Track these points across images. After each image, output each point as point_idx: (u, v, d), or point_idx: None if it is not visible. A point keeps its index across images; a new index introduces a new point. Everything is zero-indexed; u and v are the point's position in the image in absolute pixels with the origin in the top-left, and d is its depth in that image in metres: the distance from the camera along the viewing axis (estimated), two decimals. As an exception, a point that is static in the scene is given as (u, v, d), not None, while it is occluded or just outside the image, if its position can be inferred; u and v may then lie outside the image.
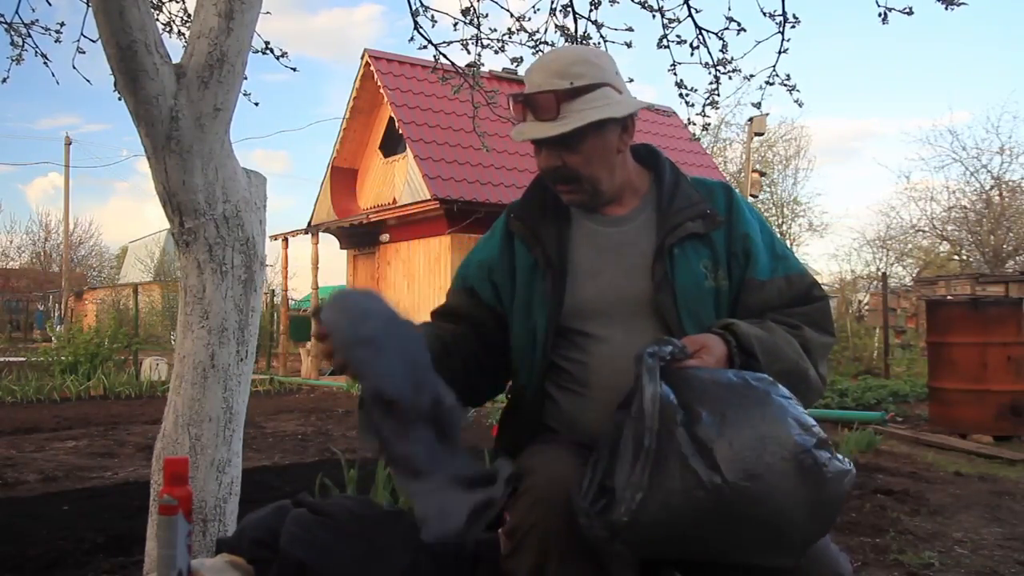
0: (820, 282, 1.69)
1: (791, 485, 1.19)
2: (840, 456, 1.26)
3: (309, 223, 14.42)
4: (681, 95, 4.42)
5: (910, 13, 3.49)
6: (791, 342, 1.45)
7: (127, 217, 59.57)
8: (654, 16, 4.12)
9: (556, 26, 4.26)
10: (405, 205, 12.01)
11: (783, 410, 1.24)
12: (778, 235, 1.68)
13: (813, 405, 1.52)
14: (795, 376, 1.42)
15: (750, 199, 13.06)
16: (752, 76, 4.30)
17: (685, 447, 1.19)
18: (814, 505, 1.21)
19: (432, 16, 4.31)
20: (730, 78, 4.37)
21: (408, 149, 12.07)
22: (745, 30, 3.99)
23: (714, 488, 1.17)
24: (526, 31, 4.36)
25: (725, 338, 1.40)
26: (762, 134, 15.48)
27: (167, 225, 2.17)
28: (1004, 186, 18.78)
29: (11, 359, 12.50)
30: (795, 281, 1.56)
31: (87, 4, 3.35)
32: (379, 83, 12.66)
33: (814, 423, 1.25)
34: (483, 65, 4.57)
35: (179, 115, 1.99)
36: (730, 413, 1.22)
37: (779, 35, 3.97)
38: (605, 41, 4.25)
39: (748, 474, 1.18)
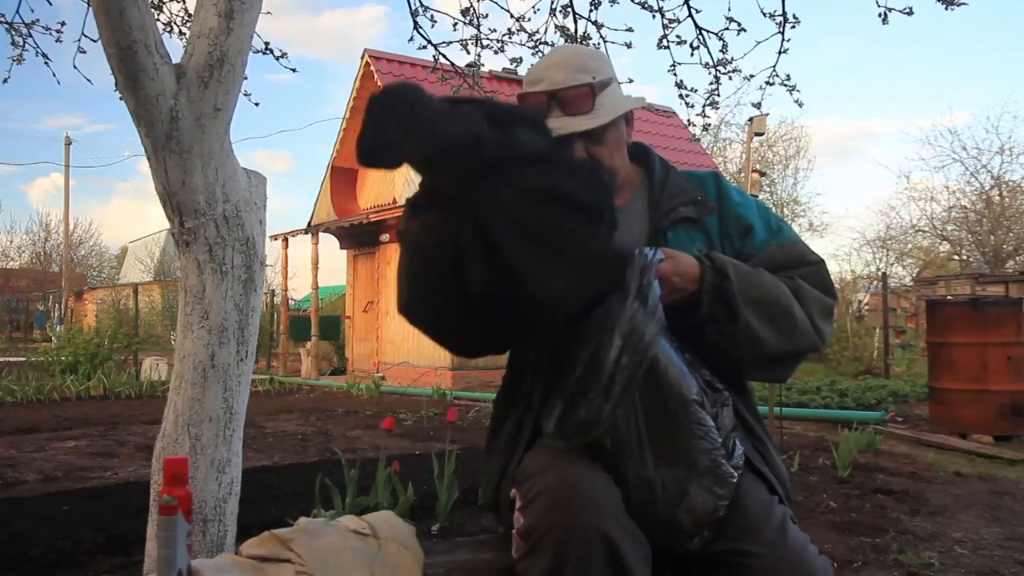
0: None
1: None
2: None
3: (309, 223, 14.41)
4: (681, 95, 4.43)
5: (910, 13, 3.49)
6: (777, 283, 1.47)
7: (129, 217, 59.65)
8: (654, 16, 4.12)
9: (556, 26, 4.27)
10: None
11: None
12: (772, 211, 1.70)
13: (808, 355, 1.58)
14: (776, 309, 1.44)
15: (750, 199, 12.99)
16: (752, 76, 4.31)
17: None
18: None
19: (432, 16, 4.32)
20: (730, 78, 4.38)
21: (408, 149, 12.06)
22: (745, 30, 4.00)
23: None
24: (526, 31, 4.37)
25: (700, 258, 1.44)
26: (762, 134, 15.41)
27: (167, 225, 2.17)
28: (1004, 186, 18.76)
29: (11, 359, 12.51)
30: (788, 247, 1.58)
31: (87, 4, 3.35)
32: (379, 83, 12.63)
33: None
34: (483, 65, 4.58)
35: (179, 115, 1.99)
36: None
37: (779, 35, 3.98)
38: (605, 41, 4.26)
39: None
